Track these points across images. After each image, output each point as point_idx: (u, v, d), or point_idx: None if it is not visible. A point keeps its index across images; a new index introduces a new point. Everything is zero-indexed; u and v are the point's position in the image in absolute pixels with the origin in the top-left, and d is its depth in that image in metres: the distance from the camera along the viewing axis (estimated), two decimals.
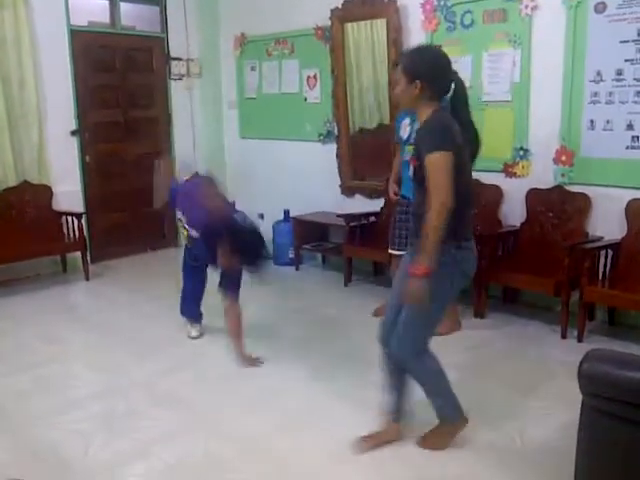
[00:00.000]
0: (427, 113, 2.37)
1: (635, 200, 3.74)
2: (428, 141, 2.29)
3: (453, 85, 2.42)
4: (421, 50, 2.53)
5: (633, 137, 3.75)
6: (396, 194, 4.06)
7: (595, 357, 1.83)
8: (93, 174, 5.74)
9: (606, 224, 3.88)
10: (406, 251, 2.67)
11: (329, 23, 5.19)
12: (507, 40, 4.23)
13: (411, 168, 2.45)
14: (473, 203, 2.50)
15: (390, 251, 4.04)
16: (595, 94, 3.86)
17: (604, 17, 3.79)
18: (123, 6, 5.80)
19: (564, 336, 3.75)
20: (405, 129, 3.86)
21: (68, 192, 5.39)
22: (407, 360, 2.50)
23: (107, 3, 5.74)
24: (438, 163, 2.22)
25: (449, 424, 2.60)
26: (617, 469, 1.82)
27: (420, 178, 2.33)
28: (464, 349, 3.66)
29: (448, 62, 2.41)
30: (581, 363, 1.83)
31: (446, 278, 2.36)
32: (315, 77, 5.53)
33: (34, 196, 5.20)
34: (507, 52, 4.22)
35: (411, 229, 2.59)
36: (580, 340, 3.67)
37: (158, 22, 6.09)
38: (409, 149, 3.83)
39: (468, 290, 4.29)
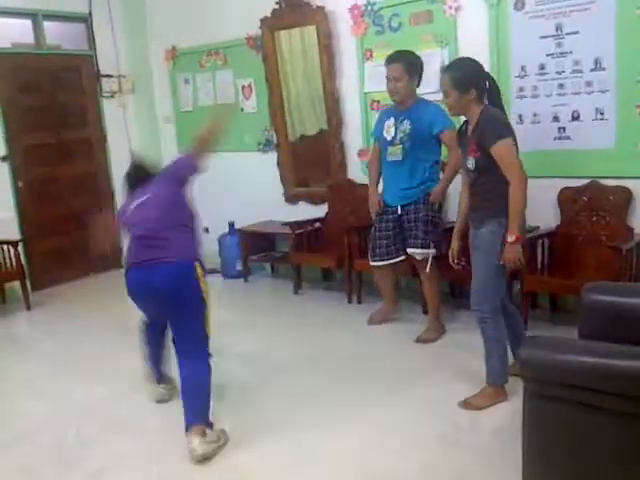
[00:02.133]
0: (477, 113, 2.79)
1: (566, 188, 3.88)
2: (490, 134, 2.71)
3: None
4: (463, 61, 3.04)
5: (559, 128, 3.89)
6: (379, 204, 3.91)
7: (532, 343, 1.89)
8: (27, 199, 5.56)
9: (541, 214, 3.99)
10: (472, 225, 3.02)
11: (260, 32, 5.20)
12: (434, 41, 4.32)
13: (472, 160, 2.81)
14: None
15: (372, 263, 3.95)
16: (521, 89, 4.00)
17: (523, 14, 3.92)
18: (47, 25, 5.65)
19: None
20: (389, 130, 3.79)
21: (2, 220, 5.20)
22: (485, 317, 2.88)
23: (30, 23, 5.59)
24: (505, 149, 2.69)
25: (493, 388, 2.94)
26: (560, 448, 1.87)
27: (482, 167, 2.77)
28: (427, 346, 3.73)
29: (480, 65, 2.95)
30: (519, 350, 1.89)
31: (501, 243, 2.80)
32: (250, 87, 5.52)
33: None
34: (435, 53, 4.31)
35: (471, 206, 2.98)
36: (525, 328, 3.75)
37: (85, 39, 5.96)
38: (393, 150, 3.77)
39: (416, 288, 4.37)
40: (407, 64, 3.67)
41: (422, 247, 3.72)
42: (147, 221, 2.77)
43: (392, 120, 3.79)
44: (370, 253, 3.96)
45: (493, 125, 2.73)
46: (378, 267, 3.98)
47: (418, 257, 3.76)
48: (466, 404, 2.94)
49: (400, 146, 3.74)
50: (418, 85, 3.77)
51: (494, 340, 2.92)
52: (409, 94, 3.71)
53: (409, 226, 3.78)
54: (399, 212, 3.82)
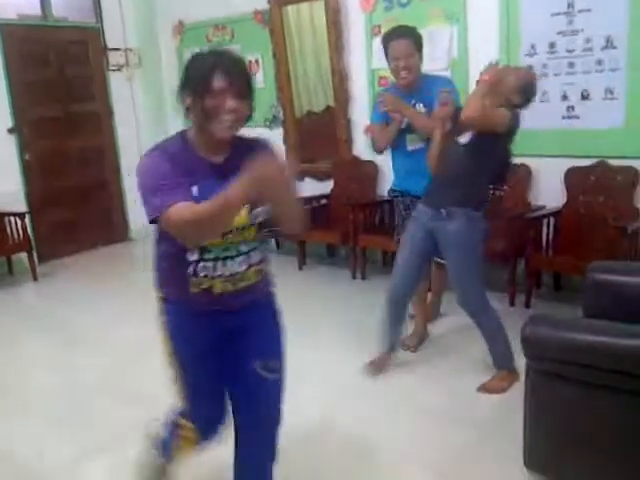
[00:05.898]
0: None
1: (573, 168, 3.86)
2: None
3: None
4: None
5: (568, 107, 3.87)
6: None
7: (535, 321, 1.91)
8: (35, 172, 5.57)
9: (547, 193, 3.99)
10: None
11: (267, 7, 5.15)
12: (443, 17, 4.27)
13: (469, 134, 2.71)
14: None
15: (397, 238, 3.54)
16: (530, 67, 3.95)
17: None
18: None
19: (512, 304, 3.87)
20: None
21: (9, 192, 5.22)
22: (475, 312, 2.86)
23: None
24: None
25: (506, 371, 2.89)
26: (562, 425, 1.90)
27: (475, 147, 2.72)
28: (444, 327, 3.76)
29: None
30: (523, 328, 1.90)
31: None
32: (257, 62, 5.48)
33: None
34: (444, 29, 4.27)
35: (436, 183, 2.88)
36: (528, 307, 3.79)
37: (92, 12, 5.90)
38: (413, 138, 3.25)
39: None
40: (416, 39, 3.14)
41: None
42: None
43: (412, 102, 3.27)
44: (395, 231, 3.59)
45: None
46: None
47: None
48: (485, 389, 2.88)
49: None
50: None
51: (493, 328, 2.87)
52: (419, 72, 3.19)
53: None
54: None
